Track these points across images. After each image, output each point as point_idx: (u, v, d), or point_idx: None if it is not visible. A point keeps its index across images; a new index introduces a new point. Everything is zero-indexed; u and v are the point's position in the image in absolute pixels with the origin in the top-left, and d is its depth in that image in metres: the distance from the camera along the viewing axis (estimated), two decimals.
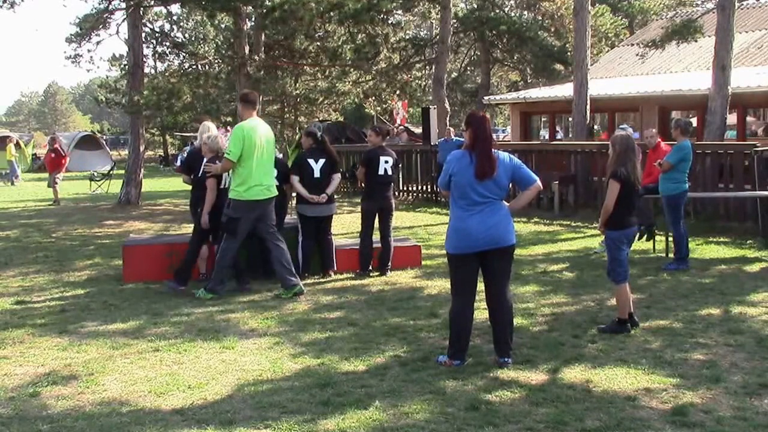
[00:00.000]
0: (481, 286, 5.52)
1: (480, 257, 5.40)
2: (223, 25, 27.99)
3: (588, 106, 16.89)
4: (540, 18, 31.70)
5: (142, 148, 18.89)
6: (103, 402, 4.86)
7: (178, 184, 19.90)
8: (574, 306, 7.31)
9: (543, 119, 23.89)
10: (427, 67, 31.53)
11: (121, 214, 16.09)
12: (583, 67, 16.81)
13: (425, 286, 8.30)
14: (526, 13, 34.03)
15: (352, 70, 22.98)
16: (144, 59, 20.77)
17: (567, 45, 28.10)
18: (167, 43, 25.60)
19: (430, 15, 24.68)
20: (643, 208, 9.74)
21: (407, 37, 28.79)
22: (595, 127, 20.85)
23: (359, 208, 9.39)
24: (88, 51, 20.28)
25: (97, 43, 19.22)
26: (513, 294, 6.59)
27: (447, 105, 21.30)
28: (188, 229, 8.31)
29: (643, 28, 27.85)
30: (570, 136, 19.20)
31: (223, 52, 26.08)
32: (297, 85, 30.22)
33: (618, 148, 6.38)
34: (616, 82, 21.22)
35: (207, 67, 22.72)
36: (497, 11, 30.98)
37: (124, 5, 17.84)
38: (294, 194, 8.91)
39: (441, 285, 8.12)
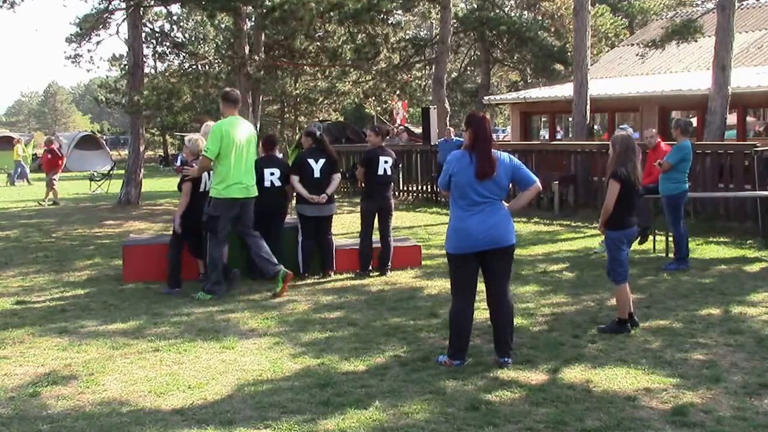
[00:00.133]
0: (481, 286, 5.52)
1: (480, 257, 5.40)
2: (223, 25, 28.00)
3: (588, 106, 16.89)
4: (540, 18, 31.71)
5: (142, 148, 18.89)
6: (103, 402, 4.86)
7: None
8: (574, 306, 7.31)
9: (543, 119, 23.89)
10: (427, 67, 31.56)
11: (121, 214, 16.09)
12: (583, 67, 16.82)
13: (425, 286, 8.30)
14: (526, 13, 34.05)
15: (352, 70, 23.00)
16: (144, 59, 20.77)
17: (567, 45, 28.11)
18: (167, 43, 25.63)
19: (430, 15, 24.70)
20: (642, 208, 9.74)
21: (407, 37, 28.80)
22: (596, 127, 20.84)
23: (359, 208, 9.39)
24: (88, 51, 20.30)
25: (97, 43, 19.25)
26: (513, 294, 6.59)
27: (447, 105, 21.31)
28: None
29: (643, 28, 27.85)
30: (570, 136, 19.20)
31: (223, 52, 26.10)
32: (297, 85, 30.26)
33: (618, 148, 6.38)
34: (616, 82, 21.22)
35: (207, 67, 22.72)
36: (497, 11, 30.98)
37: (124, 5, 17.84)
38: (294, 194, 8.91)
39: (441, 285, 8.12)
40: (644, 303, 7.23)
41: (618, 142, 6.46)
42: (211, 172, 7.91)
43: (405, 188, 18.17)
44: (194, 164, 8.09)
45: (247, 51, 18.04)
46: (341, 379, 5.21)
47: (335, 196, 9.33)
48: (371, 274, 8.93)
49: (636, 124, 18.51)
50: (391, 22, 20.97)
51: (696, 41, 17.31)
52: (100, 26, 18.50)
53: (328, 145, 9.11)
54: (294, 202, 9.05)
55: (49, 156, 19.29)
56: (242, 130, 7.85)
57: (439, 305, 7.21)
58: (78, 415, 4.64)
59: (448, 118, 20.85)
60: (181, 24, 35.75)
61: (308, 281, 8.67)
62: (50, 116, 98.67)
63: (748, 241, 10.70)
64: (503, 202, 5.47)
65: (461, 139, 14.60)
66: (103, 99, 33.71)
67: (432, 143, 17.75)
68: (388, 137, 18.95)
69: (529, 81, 34.81)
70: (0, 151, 35.18)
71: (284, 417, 4.54)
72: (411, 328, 6.56)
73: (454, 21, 26.90)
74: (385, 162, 8.93)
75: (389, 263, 9.04)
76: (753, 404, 4.64)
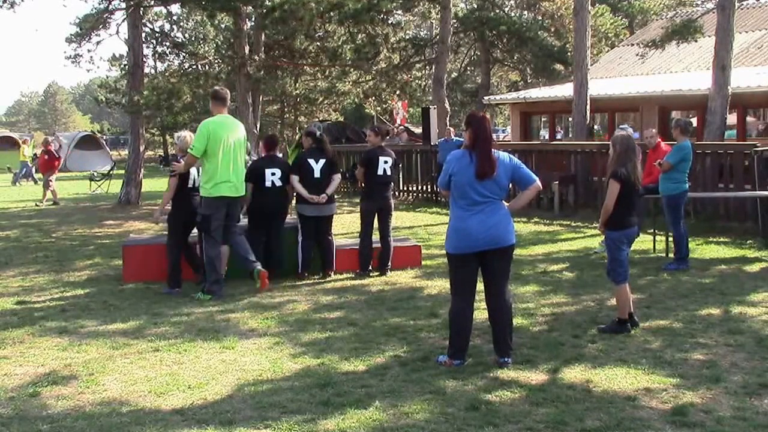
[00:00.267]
0: (480, 286, 5.52)
1: (480, 257, 5.40)
2: (223, 25, 27.97)
3: (588, 106, 16.89)
4: (540, 18, 31.70)
5: (142, 148, 18.89)
6: (103, 402, 4.86)
7: None
8: (574, 306, 7.31)
9: (543, 119, 23.89)
10: (427, 67, 31.54)
11: (121, 214, 16.10)
12: (583, 67, 16.82)
13: (425, 286, 8.30)
14: (526, 13, 34.04)
15: (352, 70, 23.00)
16: (144, 59, 20.77)
17: (567, 45, 28.10)
18: (167, 43, 25.61)
19: (430, 15, 24.69)
20: (640, 208, 9.74)
21: (407, 37, 28.79)
22: (596, 127, 20.84)
23: (359, 208, 9.39)
24: (88, 51, 20.29)
25: (97, 43, 19.25)
26: (513, 294, 6.59)
27: (447, 105, 21.30)
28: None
29: (643, 28, 27.85)
30: (570, 136, 19.20)
31: (223, 52, 26.08)
32: (297, 85, 30.24)
33: (618, 148, 6.38)
34: (616, 82, 21.22)
35: (207, 67, 22.72)
36: (497, 11, 30.97)
37: (124, 5, 17.84)
38: (294, 194, 8.92)
39: (441, 285, 8.12)
40: (644, 303, 7.23)
41: (618, 142, 6.46)
42: (200, 171, 7.95)
43: (405, 188, 18.17)
44: (182, 160, 8.14)
45: (247, 51, 18.04)
46: (341, 379, 5.21)
47: (335, 196, 9.33)
48: (371, 274, 8.93)
49: (636, 124, 18.51)
50: (391, 22, 20.97)
51: (696, 41, 17.31)
52: (100, 26, 18.51)
53: (327, 145, 9.11)
54: (294, 202, 9.05)
55: (46, 157, 19.26)
56: (230, 129, 7.85)
57: (439, 305, 7.21)
58: (78, 415, 4.64)
59: (448, 118, 20.84)
60: (181, 24, 35.71)
61: (308, 281, 8.67)
62: (50, 116, 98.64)
63: (748, 241, 10.70)
64: (503, 201, 5.47)
65: (461, 139, 14.60)
66: (103, 99, 33.65)
67: (432, 143, 17.75)
68: (388, 137, 18.96)
69: (529, 81, 34.81)
70: (4, 151, 35.32)
71: (284, 417, 4.54)
72: (411, 328, 6.56)
73: (454, 21, 26.89)
74: (385, 162, 8.93)
75: (389, 263, 9.04)
76: (753, 404, 4.64)
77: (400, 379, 5.21)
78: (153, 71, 28.48)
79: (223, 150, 7.70)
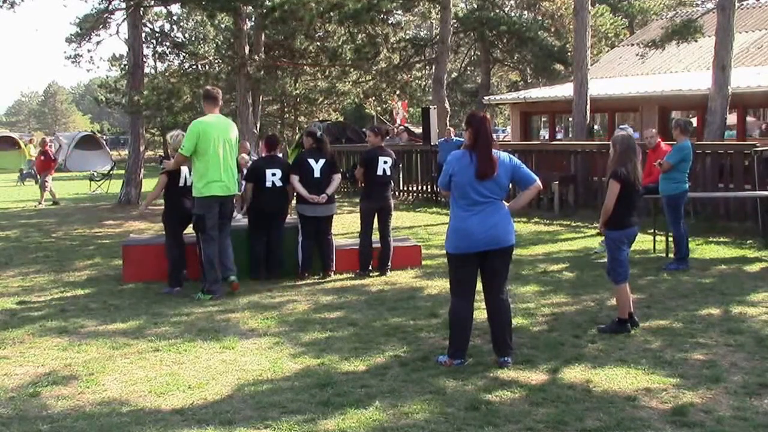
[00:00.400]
0: (479, 285, 5.52)
1: (480, 257, 5.40)
2: (223, 25, 27.97)
3: (588, 106, 16.89)
4: (540, 18, 31.69)
5: (142, 148, 18.89)
6: (103, 402, 4.86)
7: None
8: (574, 306, 7.31)
9: (543, 119, 23.88)
10: (427, 67, 31.56)
11: (121, 214, 16.10)
12: (583, 67, 16.82)
13: (425, 286, 8.29)
14: (526, 13, 34.03)
15: (352, 70, 22.99)
16: (144, 59, 20.76)
17: (567, 45, 28.10)
18: (167, 43, 25.59)
19: (430, 15, 24.68)
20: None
21: (407, 37, 28.81)
22: (596, 127, 20.85)
23: (358, 208, 9.39)
24: (88, 51, 20.25)
25: (97, 43, 19.21)
26: (513, 294, 6.62)
27: (447, 105, 21.30)
28: (187, 229, 8.35)
29: (643, 28, 27.85)
30: (570, 136, 19.20)
31: (223, 52, 26.08)
32: (297, 85, 30.23)
33: (619, 148, 6.38)
34: (616, 82, 21.22)
35: (207, 67, 22.72)
36: (497, 11, 30.99)
37: (124, 5, 17.84)
38: (294, 194, 8.92)
39: (441, 285, 8.12)
40: (644, 303, 7.23)
41: (618, 142, 6.46)
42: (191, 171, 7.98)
43: (405, 188, 18.17)
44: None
45: (247, 51, 18.04)
46: (341, 379, 5.21)
47: (335, 196, 9.33)
48: (371, 274, 8.93)
49: (636, 124, 18.50)
50: (391, 22, 20.98)
51: (696, 41, 17.31)
52: (100, 26, 18.51)
53: (327, 145, 9.11)
54: (294, 202, 9.05)
55: (42, 158, 19.23)
56: (221, 129, 7.85)
57: (439, 305, 7.21)
58: (78, 415, 4.64)
59: (448, 118, 20.85)
60: (181, 24, 35.70)
61: (308, 281, 8.67)
62: (50, 116, 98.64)
63: (748, 241, 10.70)
64: (503, 201, 5.47)
65: (461, 139, 14.61)
66: (103, 99, 33.64)
67: (432, 143, 17.75)
68: (388, 137, 18.95)
69: (529, 81, 34.81)
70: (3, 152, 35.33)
71: (284, 417, 4.54)
72: (411, 328, 6.56)
73: (454, 21, 26.90)
74: (385, 162, 8.93)
75: (389, 263, 9.04)
76: (753, 404, 4.64)
77: (400, 379, 5.21)
78: (153, 71, 28.47)
79: (214, 149, 7.70)
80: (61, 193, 19.57)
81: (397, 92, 24.35)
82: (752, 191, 11.19)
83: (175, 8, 28.57)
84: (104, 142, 37.97)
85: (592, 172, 14.09)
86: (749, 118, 18.49)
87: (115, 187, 20.61)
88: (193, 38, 34.74)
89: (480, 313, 5.94)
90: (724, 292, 7.68)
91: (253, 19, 18.84)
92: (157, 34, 25.35)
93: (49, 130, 75.72)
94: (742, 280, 8.34)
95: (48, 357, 5.86)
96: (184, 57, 25.54)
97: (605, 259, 6.99)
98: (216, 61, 24.21)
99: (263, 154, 9.85)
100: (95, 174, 24.26)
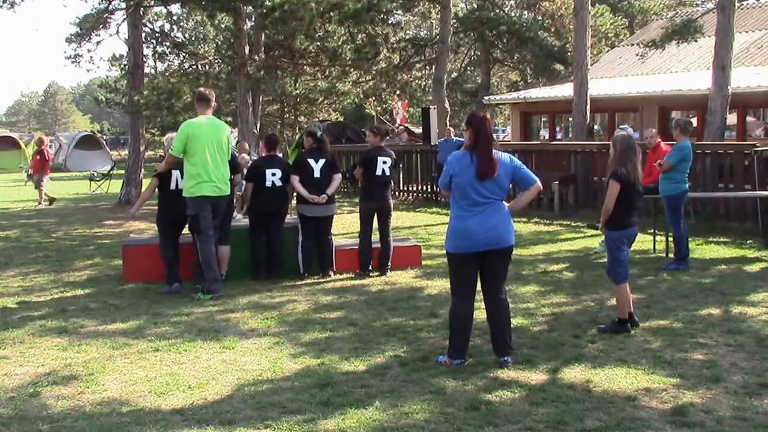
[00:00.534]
0: (478, 286, 5.52)
1: (480, 257, 5.40)
2: (223, 25, 27.98)
3: (588, 106, 16.89)
4: (540, 18, 31.70)
5: (142, 148, 18.88)
6: (103, 402, 4.86)
7: None
8: (574, 306, 7.31)
9: (543, 119, 23.88)
10: (427, 67, 31.56)
11: (121, 214, 16.08)
12: (583, 67, 16.82)
13: (425, 286, 8.29)
14: (526, 13, 34.04)
15: (352, 70, 22.98)
16: (144, 59, 20.74)
17: (567, 45, 28.11)
18: (167, 43, 25.55)
19: (430, 15, 24.69)
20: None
21: (407, 37, 28.80)
22: (596, 127, 20.85)
23: (358, 209, 9.39)
24: (88, 51, 20.19)
25: (97, 43, 19.19)
26: (513, 294, 6.61)
27: (447, 105, 21.30)
28: (186, 230, 8.35)
29: (643, 28, 27.85)
30: (570, 136, 19.20)
31: (223, 52, 26.07)
32: (297, 85, 30.23)
33: (619, 148, 6.38)
34: (616, 82, 21.22)
35: (207, 67, 22.70)
36: (497, 11, 30.99)
37: (124, 5, 17.84)
38: (294, 194, 8.92)
39: (441, 285, 8.12)
40: (644, 303, 7.23)
41: (618, 142, 6.46)
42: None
43: (405, 188, 18.17)
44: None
45: (247, 51, 18.04)
46: (341, 379, 5.21)
47: (335, 197, 9.34)
48: (371, 274, 8.93)
49: (636, 124, 18.50)
50: (391, 22, 20.98)
51: (696, 41, 17.31)
52: (100, 26, 18.50)
53: (327, 145, 9.11)
54: (294, 202, 9.05)
55: (38, 157, 19.20)
56: (211, 130, 7.85)
57: (439, 305, 7.21)
58: (78, 415, 4.64)
59: (448, 118, 20.85)
60: (181, 24, 35.72)
61: (308, 281, 8.67)
62: (50, 116, 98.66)
63: (748, 241, 10.70)
64: (504, 202, 5.47)
65: (461, 139, 14.60)
66: (103, 99, 33.61)
67: (432, 143, 17.75)
68: (388, 137, 18.94)
69: (529, 81, 34.81)
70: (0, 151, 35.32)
71: (284, 417, 4.54)
72: (411, 328, 6.56)
73: (454, 21, 26.90)
74: (384, 162, 8.93)
75: (389, 263, 9.04)
76: (753, 404, 4.64)
77: (400, 379, 5.21)
78: (153, 71, 28.45)
79: (203, 150, 7.70)
80: (61, 193, 19.55)
81: (397, 92, 24.35)
82: (752, 191, 11.19)
83: (175, 8, 28.60)
84: (104, 142, 37.96)
85: (592, 172, 14.09)
86: (750, 118, 18.49)
87: (115, 187, 20.61)
88: (193, 38, 34.76)
89: (480, 313, 5.94)
90: (724, 292, 7.68)
91: (253, 19, 18.83)
92: (157, 34, 25.32)
93: (49, 130, 75.72)
94: (742, 280, 8.34)
95: (48, 357, 5.86)
96: (184, 57, 25.52)
97: (605, 259, 6.99)
98: (216, 61, 24.19)
99: (263, 154, 9.85)
100: (95, 174, 24.25)
